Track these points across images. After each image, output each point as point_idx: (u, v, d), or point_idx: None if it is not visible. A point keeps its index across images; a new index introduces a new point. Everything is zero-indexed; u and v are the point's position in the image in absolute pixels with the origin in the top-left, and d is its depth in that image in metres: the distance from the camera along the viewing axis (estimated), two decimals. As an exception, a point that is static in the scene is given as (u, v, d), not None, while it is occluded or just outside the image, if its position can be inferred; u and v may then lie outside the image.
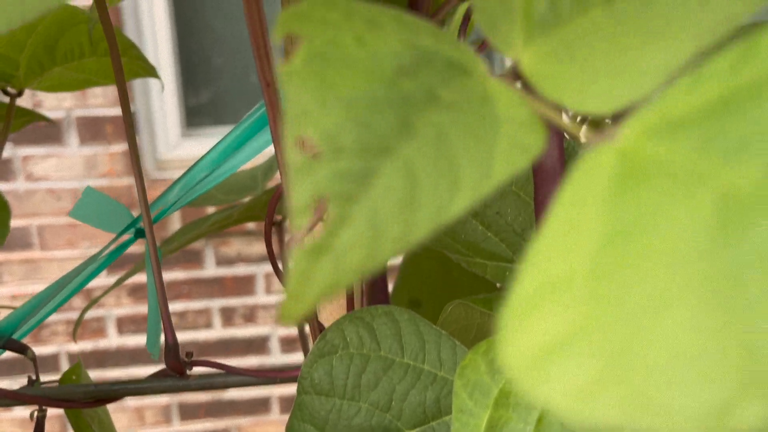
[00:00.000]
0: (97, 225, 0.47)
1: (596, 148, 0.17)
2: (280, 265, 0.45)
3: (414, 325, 0.38)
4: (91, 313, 2.06)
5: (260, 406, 2.17)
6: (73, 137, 1.96)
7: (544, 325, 0.13)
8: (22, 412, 2.01)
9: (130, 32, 1.95)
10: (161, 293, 0.43)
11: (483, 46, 0.35)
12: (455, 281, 0.59)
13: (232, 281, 2.09)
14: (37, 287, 2.01)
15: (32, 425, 0.48)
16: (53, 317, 2.06)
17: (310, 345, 0.40)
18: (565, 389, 0.12)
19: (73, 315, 2.07)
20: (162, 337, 0.46)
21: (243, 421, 2.18)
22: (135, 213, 0.48)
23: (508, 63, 0.24)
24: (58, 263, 2.03)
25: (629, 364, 0.12)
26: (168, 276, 2.04)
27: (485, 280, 0.47)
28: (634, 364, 0.12)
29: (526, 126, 0.20)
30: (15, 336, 0.49)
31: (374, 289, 0.45)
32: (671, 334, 0.12)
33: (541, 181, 0.32)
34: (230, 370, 0.45)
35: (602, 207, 0.15)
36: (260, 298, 2.11)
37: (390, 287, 0.50)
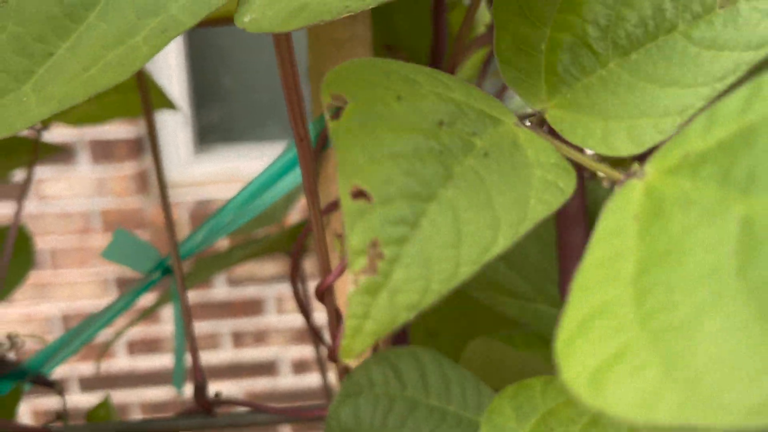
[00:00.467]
0: (128, 264, 0.48)
1: (625, 185, 0.18)
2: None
3: (438, 365, 0.39)
4: (101, 336, 2.05)
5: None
6: (84, 159, 1.97)
7: (596, 347, 0.15)
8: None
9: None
10: (189, 331, 0.45)
11: (503, 91, 0.37)
12: (472, 313, 0.60)
13: (242, 303, 2.08)
14: (49, 307, 2.01)
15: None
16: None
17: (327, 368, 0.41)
18: (626, 398, 0.14)
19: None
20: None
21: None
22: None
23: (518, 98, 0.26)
24: (70, 284, 2.03)
25: (683, 370, 0.13)
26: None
27: (502, 313, 0.48)
28: (688, 369, 0.13)
29: (556, 169, 0.22)
30: (43, 371, 0.51)
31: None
32: (717, 340, 0.13)
33: (565, 220, 0.34)
34: (258, 408, 0.46)
35: (636, 236, 0.17)
36: (271, 318, 2.10)
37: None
